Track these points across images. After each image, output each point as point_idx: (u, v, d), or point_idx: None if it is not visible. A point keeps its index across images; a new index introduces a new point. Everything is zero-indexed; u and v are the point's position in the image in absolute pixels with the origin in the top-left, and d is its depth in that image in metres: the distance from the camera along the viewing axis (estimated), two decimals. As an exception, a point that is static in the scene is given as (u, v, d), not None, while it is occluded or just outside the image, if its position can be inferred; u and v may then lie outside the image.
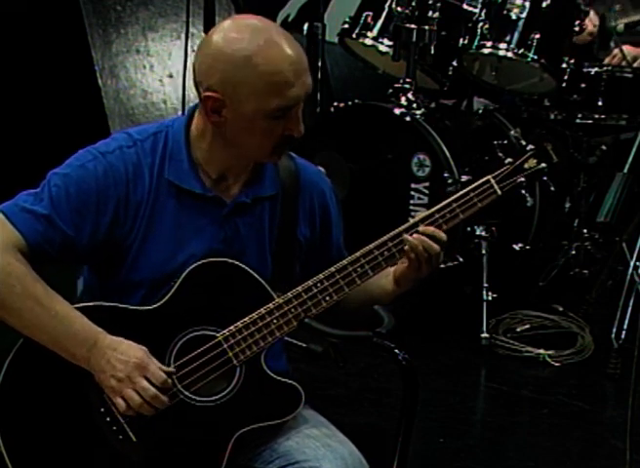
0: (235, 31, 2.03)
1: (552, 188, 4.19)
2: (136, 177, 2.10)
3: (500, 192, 2.16)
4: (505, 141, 4.21)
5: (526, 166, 2.18)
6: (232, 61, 2.01)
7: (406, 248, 2.12)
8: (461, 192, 2.17)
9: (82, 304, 2.07)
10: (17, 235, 2.02)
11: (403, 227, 2.15)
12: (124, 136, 2.15)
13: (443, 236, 2.14)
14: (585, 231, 4.47)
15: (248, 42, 2.01)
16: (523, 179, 2.18)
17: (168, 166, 2.12)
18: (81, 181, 2.07)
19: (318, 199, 2.26)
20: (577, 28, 4.18)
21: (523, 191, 4.09)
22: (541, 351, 3.89)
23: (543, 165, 2.19)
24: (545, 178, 4.14)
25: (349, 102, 4.27)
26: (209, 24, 3.68)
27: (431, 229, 2.13)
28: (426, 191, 4.03)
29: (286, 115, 2.05)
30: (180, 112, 4.89)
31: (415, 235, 2.13)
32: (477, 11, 4.21)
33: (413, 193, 4.06)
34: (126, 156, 2.10)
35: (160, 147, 2.13)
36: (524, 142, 4.17)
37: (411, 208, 4.06)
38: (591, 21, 4.43)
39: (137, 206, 2.09)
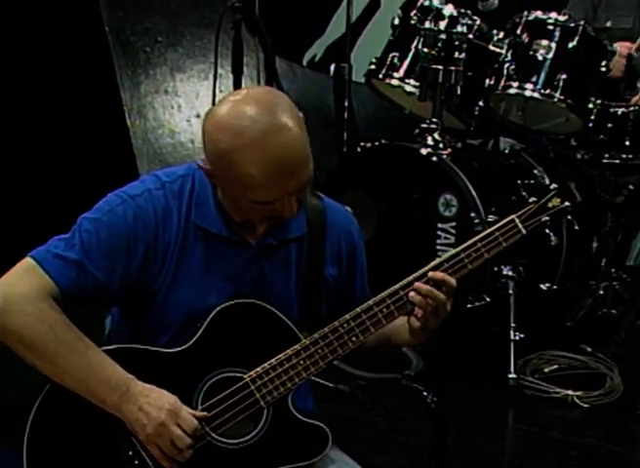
0: (229, 117, 2.00)
1: (577, 227, 4.18)
2: (164, 220, 2.11)
3: (524, 231, 2.16)
4: (532, 181, 4.21)
5: (550, 205, 2.18)
6: (213, 148, 2.02)
7: (411, 294, 2.10)
8: (486, 231, 2.17)
9: (111, 347, 2.08)
10: (49, 281, 2.03)
11: (430, 266, 2.15)
12: (152, 178, 2.16)
13: (452, 282, 2.11)
14: (613, 271, 4.45)
15: (233, 135, 1.97)
16: (547, 218, 2.18)
17: (195, 209, 2.13)
18: (111, 226, 2.08)
19: (345, 239, 2.27)
20: (603, 69, 4.19)
21: (547, 230, 4.08)
22: (570, 392, 3.86)
23: (567, 204, 2.19)
24: (570, 217, 4.13)
25: (376, 142, 4.29)
26: (237, 66, 3.70)
27: (440, 275, 2.11)
28: (453, 231, 4.03)
29: (268, 205, 2.04)
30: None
31: (417, 284, 2.11)
32: (503, 52, 4.23)
33: (439, 233, 4.06)
34: (155, 199, 2.12)
35: (187, 190, 2.14)
36: (547, 181, 4.17)
37: (437, 248, 4.05)
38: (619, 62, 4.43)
39: (165, 248, 2.11)
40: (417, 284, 2.10)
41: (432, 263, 2.15)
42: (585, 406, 3.81)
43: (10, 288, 2.02)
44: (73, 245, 2.06)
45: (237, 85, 3.69)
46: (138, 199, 2.11)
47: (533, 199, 2.19)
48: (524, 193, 4.10)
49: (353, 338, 2.11)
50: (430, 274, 2.11)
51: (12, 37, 4.91)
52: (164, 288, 2.11)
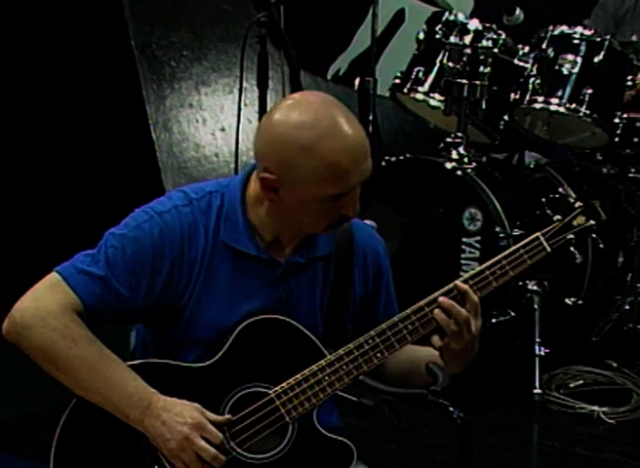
0: (297, 115, 2.01)
1: (602, 245, 4.16)
2: (191, 237, 2.11)
3: (549, 249, 2.16)
4: (556, 196, 4.19)
5: (574, 223, 2.18)
6: (289, 148, 2.00)
7: (435, 311, 2.10)
8: (511, 249, 2.17)
9: (135, 362, 2.09)
10: (73, 297, 2.04)
11: (454, 283, 2.15)
12: (180, 194, 2.16)
13: (475, 299, 2.10)
14: (639, 286, 4.43)
15: (308, 129, 1.99)
16: (572, 236, 2.18)
17: (223, 227, 2.13)
18: (137, 242, 2.08)
19: (372, 258, 2.27)
20: (629, 83, 4.18)
21: (572, 248, 4.07)
22: (595, 408, 3.83)
23: (592, 222, 2.19)
24: (595, 236, 4.11)
25: (400, 156, 4.29)
26: (262, 79, 3.72)
27: (465, 287, 2.10)
28: (478, 245, 4.02)
29: (342, 199, 2.05)
30: (232, 165, 4.94)
31: (440, 297, 2.10)
32: (529, 66, 4.22)
33: (464, 247, 4.06)
34: (182, 215, 2.12)
35: (216, 207, 2.14)
36: (572, 199, 4.15)
37: (462, 262, 4.05)
38: None
39: (191, 265, 2.11)
40: (440, 297, 2.10)
41: (457, 281, 2.15)
42: (611, 422, 3.79)
43: (35, 302, 2.03)
44: (98, 260, 2.07)
45: (262, 99, 3.71)
46: (164, 215, 2.11)
47: (557, 217, 2.18)
48: (549, 211, 4.08)
49: (378, 355, 2.11)
50: (455, 283, 2.11)
51: (37, 50, 4.95)
52: (190, 305, 2.11)
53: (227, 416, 2.06)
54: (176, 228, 2.10)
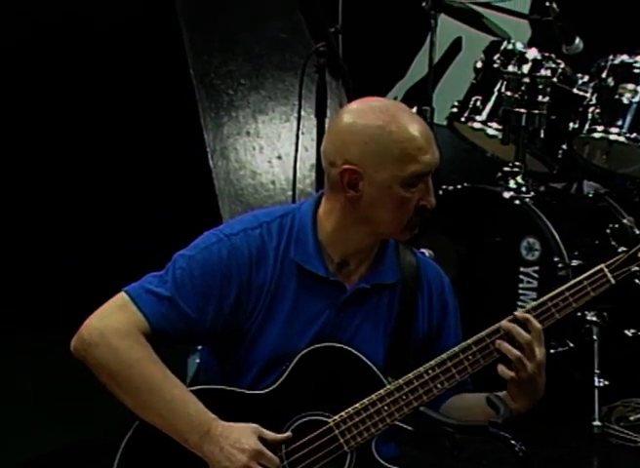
0: (364, 107, 2.12)
1: (665, 276, 4.10)
2: (259, 260, 2.13)
3: (613, 281, 2.14)
4: (617, 226, 4.15)
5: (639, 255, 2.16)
6: (367, 132, 2.08)
7: (497, 341, 2.09)
8: (574, 281, 2.15)
9: (196, 387, 2.10)
10: (140, 317, 2.07)
11: (516, 314, 2.13)
12: (250, 218, 2.19)
13: (538, 324, 2.09)
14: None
15: (379, 113, 2.09)
16: (637, 268, 2.15)
17: (294, 247, 2.15)
18: (205, 264, 2.10)
19: (437, 292, 2.27)
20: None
21: (637, 280, 4.01)
22: (656, 441, 3.78)
23: (658, 254, 2.16)
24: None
25: (458, 185, 4.28)
26: (320, 107, 3.74)
27: (525, 316, 2.10)
28: (536, 275, 3.98)
29: (419, 184, 2.09)
30: (288, 193, 4.97)
31: (503, 322, 2.11)
32: (588, 95, 4.19)
33: (522, 277, 4.02)
34: (250, 238, 2.14)
35: (287, 229, 2.16)
36: (638, 231, 4.11)
37: (520, 292, 4.01)
38: None
39: (259, 289, 2.12)
40: (502, 322, 2.09)
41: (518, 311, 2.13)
42: (673, 456, 3.72)
43: (102, 321, 2.06)
44: (166, 281, 2.09)
45: (320, 127, 3.73)
46: (233, 238, 2.13)
47: (622, 248, 2.17)
48: (613, 242, 4.04)
49: (438, 385, 2.10)
50: (515, 314, 2.10)
51: (100, 81, 5.03)
52: (254, 327, 2.13)
53: (287, 434, 2.06)
54: (244, 251, 2.12)
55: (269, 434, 2.05)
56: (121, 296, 2.09)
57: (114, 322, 2.05)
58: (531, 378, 2.10)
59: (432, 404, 2.12)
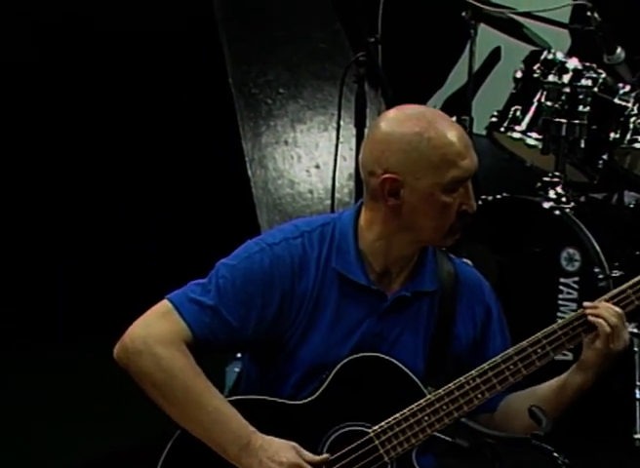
0: (400, 115, 2.13)
1: None
2: (301, 269, 2.14)
3: None
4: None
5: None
6: (405, 140, 2.08)
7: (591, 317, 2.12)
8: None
9: (235, 398, 2.11)
10: (183, 326, 2.08)
11: (562, 322, 2.13)
12: (291, 227, 2.20)
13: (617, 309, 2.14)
14: None
15: (416, 120, 2.10)
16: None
17: (335, 256, 2.16)
18: (247, 273, 2.12)
19: (478, 301, 2.27)
20: None
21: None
22: (697, 454, 3.73)
23: None
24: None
25: (497, 195, 4.26)
26: (360, 117, 3.75)
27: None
28: (576, 286, 3.96)
29: (459, 189, 2.10)
30: (326, 202, 4.97)
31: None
32: (630, 105, 4.16)
33: (562, 288, 4.00)
34: (292, 247, 2.15)
35: (328, 239, 2.17)
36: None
37: (559, 302, 3.98)
38: None
39: (301, 297, 2.13)
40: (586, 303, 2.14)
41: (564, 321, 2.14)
42: None
43: (146, 329, 2.07)
44: (209, 290, 2.10)
45: (359, 137, 3.73)
46: (275, 247, 2.14)
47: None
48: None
49: (479, 395, 2.09)
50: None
51: (141, 91, 5.07)
52: (296, 336, 2.14)
53: (325, 456, 2.06)
54: (286, 260, 2.13)
55: (308, 455, 2.05)
56: (164, 304, 2.10)
57: (157, 330, 2.07)
58: (612, 355, 2.14)
59: (485, 407, 2.12)
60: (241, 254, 2.15)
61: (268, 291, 2.11)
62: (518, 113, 4.32)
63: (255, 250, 2.15)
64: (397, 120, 2.13)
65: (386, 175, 2.10)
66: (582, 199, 4.30)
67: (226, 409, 2.06)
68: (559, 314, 3.93)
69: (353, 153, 4.07)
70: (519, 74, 4.41)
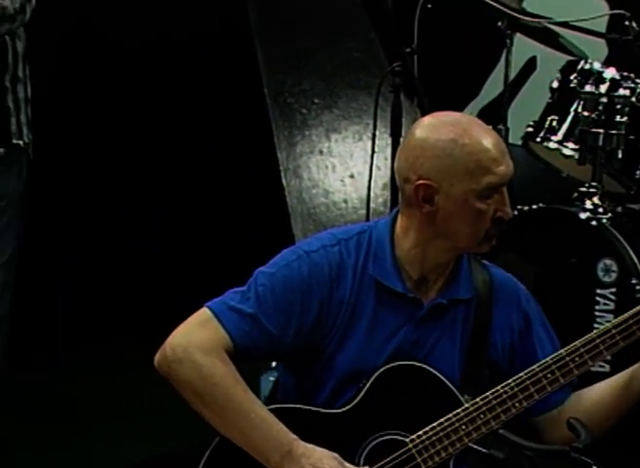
0: (435, 122, 2.15)
1: None
2: (339, 277, 2.14)
3: None
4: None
5: None
6: (440, 146, 2.09)
7: None
8: None
9: (272, 406, 2.11)
10: (223, 334, 2.08)
11: (599, 331, 2.12)
12: (328, 235, 2.21)
13: None
14: None
15: (451, 126, 2.11)
16: None
17: (372, 264, 2.16)
18: (286, 281, 2.13)
19: (515, 307, 2.26)
20: None
21: None
22: None
23: None
24: None
25: (533, 205, 4.24)
26: (395, 127, 3.75)
27: None
28: (613, 297, 3.93)
29: (494, 195, 2.10)
30: (360, 212, 4.98)
31: None
32: (668, 115, 4.14)
33: (598, 299, 3.97)
34: (329, 255, 2.16)
35: (364, 246, 2.18)
36: None
37: (596, 314, 3.96)
38: None
39: (339, 305, 2.13)
40: None
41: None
42: None
43: (186, 337, 2.08)
44: (248, 298, 2.11)
45: (395, 147, 3.73)
46: (313, 255, 2.15)
47: None
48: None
49: (517, 404, 2.09)
50: None
51: (174, 98, 5.10)
52: (333, 343, 2.14)
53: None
54: (324, 268, 2.14)
55: (349, 466, 2.05)
56: (204, 312, 2.11)
57: (197, 338, 2.07)
58: None
59: (539, 408, 2.12)
60: (279, 262, 2.16)
61: (307, 298, 2.12)
62: (554, 123, 4.30)
63: (293, 258, 2.16)
64: (432, 126, 2.13)
65: (421, 182, 2.10)
66: (619, 209, 4.26)
67: (268, 417, 2.06)
68: (595, 325, 3.90)
69: (388, 163, 4.07)
70: (555, 84, 4.39)
